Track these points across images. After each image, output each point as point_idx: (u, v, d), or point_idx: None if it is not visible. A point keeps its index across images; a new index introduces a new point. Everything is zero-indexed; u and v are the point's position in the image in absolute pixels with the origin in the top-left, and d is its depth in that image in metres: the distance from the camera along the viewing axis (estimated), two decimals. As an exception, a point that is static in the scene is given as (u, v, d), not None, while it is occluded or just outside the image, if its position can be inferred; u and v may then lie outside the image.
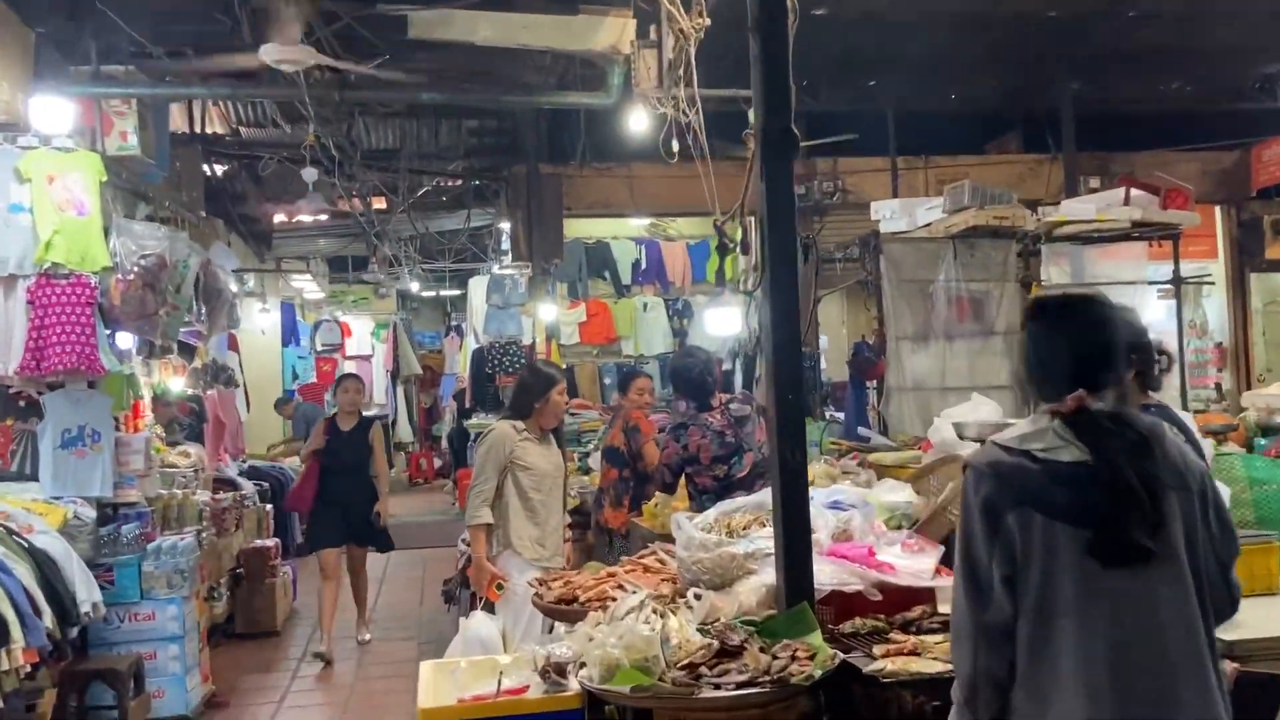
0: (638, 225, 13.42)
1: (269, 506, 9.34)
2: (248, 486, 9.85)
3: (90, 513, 5.57)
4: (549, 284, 10.29)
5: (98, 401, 5.78)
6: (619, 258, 13.63)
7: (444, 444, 19.51)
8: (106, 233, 5.81)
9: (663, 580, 3.86)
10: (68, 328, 5.57)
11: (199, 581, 6.23)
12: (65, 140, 5.73)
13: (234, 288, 8.82)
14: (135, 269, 5.75)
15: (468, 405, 15.27)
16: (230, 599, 7.92)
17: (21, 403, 5.67)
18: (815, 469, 5.98)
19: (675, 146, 5.59)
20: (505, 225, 11.53)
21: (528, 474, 5.09)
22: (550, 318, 10.73)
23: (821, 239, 11.79)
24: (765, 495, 3.89)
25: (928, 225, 8.52)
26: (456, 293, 19.87)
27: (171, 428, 8.98)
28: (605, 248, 13.50)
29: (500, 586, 4.88)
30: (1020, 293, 8.51)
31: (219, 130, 10.97)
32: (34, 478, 5.62)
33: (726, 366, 13.82)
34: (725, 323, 7.45)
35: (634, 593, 3.68)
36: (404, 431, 19.61)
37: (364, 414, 8.19)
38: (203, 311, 7.32)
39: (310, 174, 8.37)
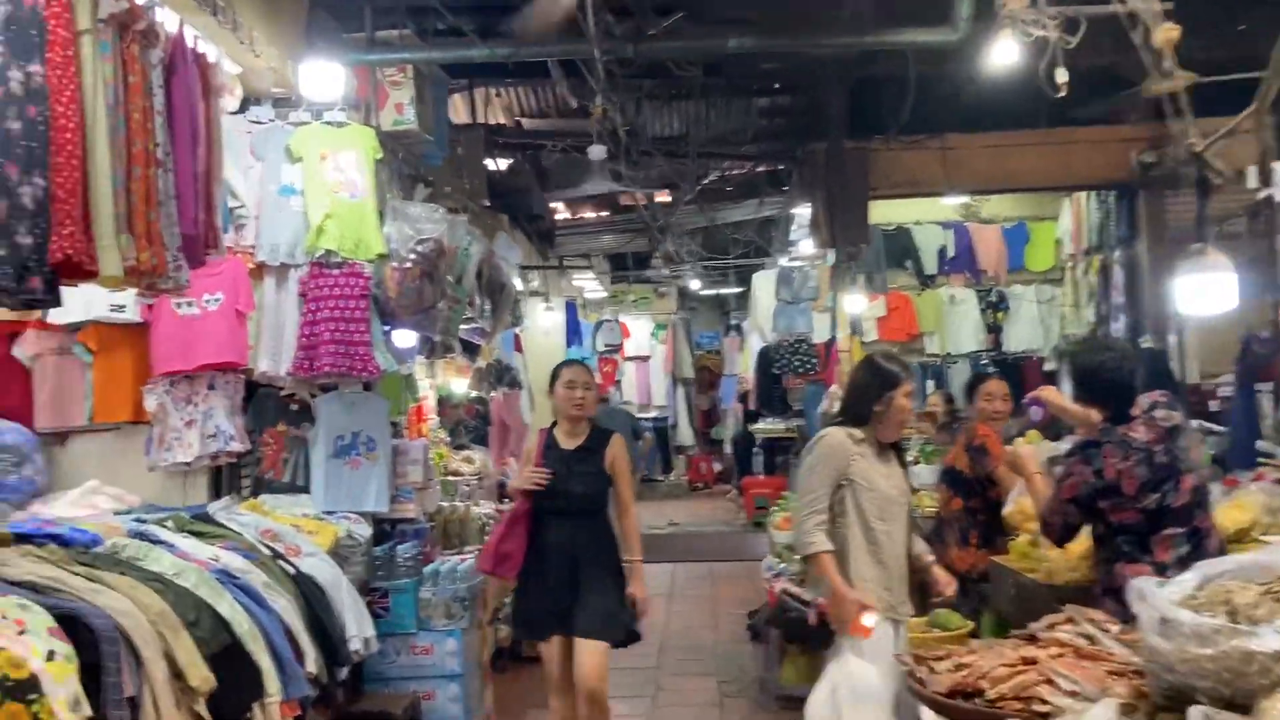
0: (944, 208, 12.00)
1: (553, 517, 8.69)
2: (531, 494, 9.27)
3: (364, 530, 4.95)
4: (853, 273, 9.11)
5: (373, 405, 5.17)
6: (922, 245, 12.26)
7: (726, 449, 18.69)
8: (381, 217, 5.19)
9: (1110, 674, 2.66)
10: (341, 323, 4.98)
11: (481, 609, 5.53)
12: (338, 114, 5.14)
13: (518, 284, 8.22)
14: (412, 256, 5.09)
15: (753, 408, 14.36)
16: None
17: (294, 406, 5.13)
18: (1249, 499, 4.54)
19: (1062, 76, 4.34)
20: (800, 211, 10.46)
21: (870, 496, 4.01)
22: (856, 309, 9.54)
23: (1175, 216, 10.02)
24: (1271, 554, 2.63)
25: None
26: (737, 290, 19.01)
27: (457, 431, 8.49)
28: (906, 234, 12.17)
29: (869, 619, 3.84)
30: None
31: (501, 120, 10.52)
32: (306, 489, 5.07)
33: (1050, 366, 12.19)
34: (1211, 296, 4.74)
35: (1077, 694, 2.52)
36: (684, 435, 18.93)
37: (597, 423, 4.95)
38: (486, 306, 6.67)
39: (598, 151, 7.62)
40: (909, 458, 8.02)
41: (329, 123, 5.14)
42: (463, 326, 6.71)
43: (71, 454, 5.01)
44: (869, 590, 3.93)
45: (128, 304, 4.82)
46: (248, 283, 4.92)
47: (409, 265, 5.09)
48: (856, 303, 9.35)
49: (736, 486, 15.44)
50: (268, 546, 4.25)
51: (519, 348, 11.40)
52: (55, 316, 4.79)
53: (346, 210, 5.07)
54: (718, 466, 19.50)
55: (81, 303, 4.77)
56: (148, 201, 3.36)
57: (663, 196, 13.07)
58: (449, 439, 7.60)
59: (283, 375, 5.02)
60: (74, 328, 4.89)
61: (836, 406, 9.59)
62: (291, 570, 4.21)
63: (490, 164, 10.36)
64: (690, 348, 19.29)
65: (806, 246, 12.01)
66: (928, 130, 9.86)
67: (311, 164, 5.06)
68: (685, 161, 10.19)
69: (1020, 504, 4.80)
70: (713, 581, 10.60)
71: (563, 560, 4.63)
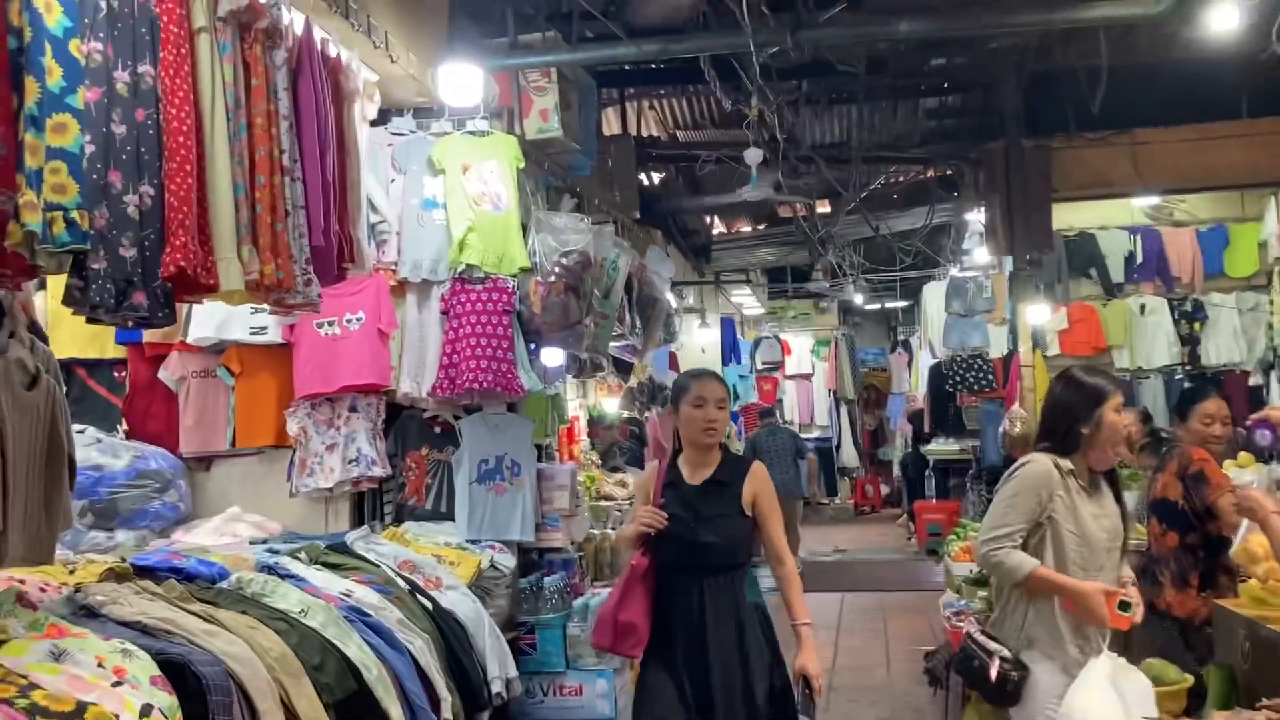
0: (1130, 211, 11.07)
1: (712, 544, 8.26)
2: (689, 519, 8.88)
3: (509, 561, 4.65)
4: (1034, 281, 8.39)
5: (518, 427, 4.88)
6: (1108, 251, 11.30)
7: (894, 471, 17.90)
8: (524, 230, 4.91)
9: None
10: (484, 340, 4.72)
11: (634, 647, 5.16)
12: (480, 123, 4.90)
13: (671, 300, 7.87)
14: (556, 269, 4.79)
15: (925, 429, 13.61)
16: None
17: (437, 429, 4.89)
18: None
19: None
20: (973, 217, 9.78)
21: (1074, 540, 3.42)
22: (1039, 320, 8.80)
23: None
24: None
25: None
26: (904, 304, 18.24)
27: (611, 453, 8.19)
28: (1090, 240, 11.24)
29: (1125, 606, 3.31)
30: None
31: (654, 133, 10.25)
32: (450, 516, 4.81)
33: (1256, 381, 11.09)
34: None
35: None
36: (848, 456, 18.21)
37: (730, 450, 3.89)
38: (637, 323, 6.33)
39: (755, 155, 7.20)
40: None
41: (471, 132, 4.90)
42: (613, 344, 6.40)
43: (215, 479, 4.90)
44: (1065, 641, 3.39)
45: (269, 325, 4.68)
46: (389, 301, 4.71)
47: (553, 279, 4.79)
48: (1039, 313, 8.63)
49: (907, 511, 14.69)
50: (405, 579, 3.99)
51: (674, 366, 11.06)
52: (195, 338, 4.70)
53: (489, 223, 4.81)
54: (884, 489, 18.71)
55: (217, 323, 4.66)
56: (273, 211, 3.13)
57: (823, 207, 12.55)
58: (600, 462, 7.28)
59: (425, 396, 4.79)
60: (218, 350, 4.78)
61: (1018, 427, 8.93)
62: (430, 606, 3.93)
63: (643, 178, 10.10)
64: (854, 365, 18.58)
65: (980, 255, 11.28)
66: (1114, 126, 9.09)
67: (454, 176, 4.83)
68: (848, 167, 9.67)
69: (1250, 543, 4.13)
70: (883, 613, 9.97)
71: (693, 632, 3.49)
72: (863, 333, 20.10)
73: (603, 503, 6.52)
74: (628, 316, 6.22)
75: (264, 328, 4.68)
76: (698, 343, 12.46)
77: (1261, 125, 8.82)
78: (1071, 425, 3.57)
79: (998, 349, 12.01)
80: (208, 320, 4.66)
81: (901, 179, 11.55)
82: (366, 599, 3.61)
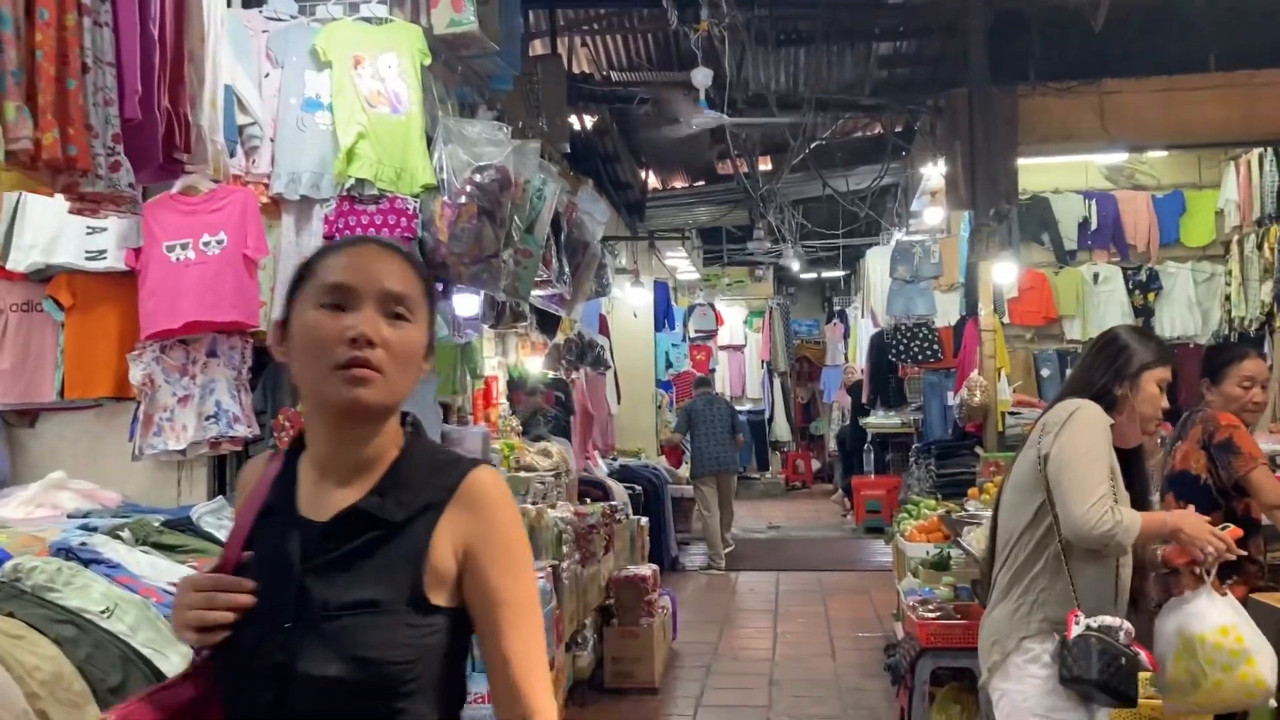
0: (1087, 174, 10.53)
1: (644, 520, 7.49)
2: (619, 492, 8.11)
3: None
4: (998, 238, 7.73)
5: (418, 380, 4.02)
6: (1061, 216, 10.74)
7: (828, 445, 17.34)
8: (429, 142, 4.05)
9: None
10: (377, 273, 3.85)
11: (556, 642, 4.37)
12: (377, 8, 4.02)
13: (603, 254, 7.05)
14: (468, 189, 3.94)
15: (864, 401, 12.99)
16: (598, 643, 6.10)
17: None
18: None
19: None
20: (929, 170, 9.09)
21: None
22: (1006, 279, 8.15)
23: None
24: None
25: None
26: (841, 273, 17.64)
27: (534, 421, 7.37)
28: (1044, 204, 10.67)
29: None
30: None
31: (586, 70, 9.39)
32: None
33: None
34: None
35: None
36: (780, 430, 17.63)
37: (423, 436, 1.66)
38: (565, 268, 5.51)
39: (704, 76, 6.41)
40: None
41: (365, 19, 4.02)
42: (537, 292, 5.57)
43: (42, 438, 3.98)
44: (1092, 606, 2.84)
45: (109, 247, 3.76)
46: (259, 221, 3.82)
47: (464, 200, 3.94)
48: (1005, 271, 7.96)
49: (842, 486, 14.10)
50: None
51: (604, 330, 10.26)
52: (15, 263, 3.76)
53: (386, 129, 3.94)
54: (816, 464, 18.17)
55: (44, 243, 3.73)
56: (62, 61, 2.26)
57: (764, 164, 11.81)
58: (522, 430, 6.47)
59: (303, 340, 3.90)
60: (42, 277, 3.85)
61: (978, 396, 8.29)
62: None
63: (573, 121, 9.23)
64: (788, 336, 17.96)
65: (930, 216, 10.63)
66: (1080, 75, 8.46)
67: (343, 70, 3.95)
68: (796, 114, 8.91)
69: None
70: (823, 595, 9.32)
71: None
72: (798, 303, 19.49)
73: (522, 474, 5.71)
74: (554, 260, 5.39)
75: (103, 251, 3.77)
76: (630, 304, 11.67)
77: (1237, 78, 8.24)
78: (1109, 385, 2.96)
79: (944, 317, 11.42)
80: (31, 240, 3.73)
81: (849, 134, 10.84)
82: (205, 592, 2.75)
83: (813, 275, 18.07)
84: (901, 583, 6.49)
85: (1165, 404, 3.04)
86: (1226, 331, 10.41)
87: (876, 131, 10.96)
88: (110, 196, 2.42)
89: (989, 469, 7.33)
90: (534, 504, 5.49)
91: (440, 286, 4.41)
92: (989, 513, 5.81)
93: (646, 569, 6.59)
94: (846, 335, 17.00)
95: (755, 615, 8.57)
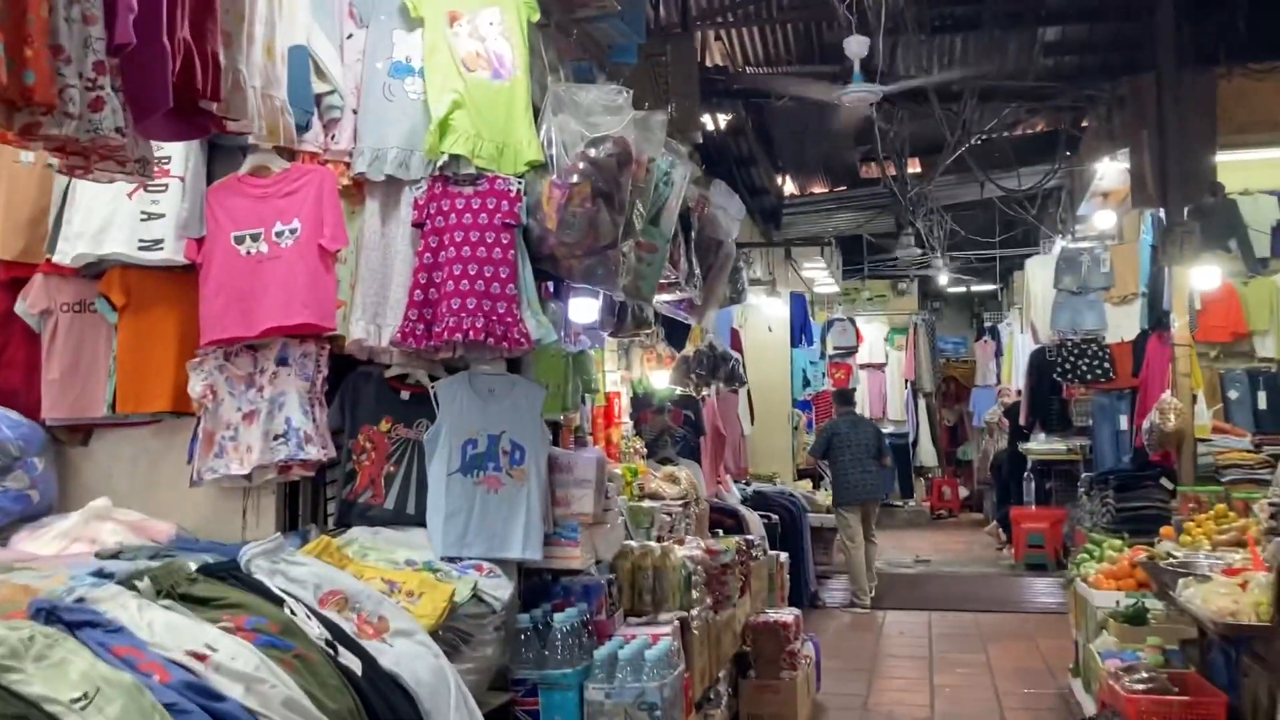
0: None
1: (783, 556, 6.70)
2: (755, 523, 7.35)
3: (503, 588, 3.15)
4: (1194, 239, 6.70)
5: (521, 395, 3.38)
6: (1252, 219, 9.43)
7: (975, 470, 16.18)
8: (536, 113, 3.41)
9: None
10: (473, 267, 3.24)
11: (685, 710, 3.65)
12: (477, -43, 3.41)
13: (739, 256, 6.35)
14: (581, 166, 3.28)
15: (1023, 424, 11.91)
16: (732, 698, 5.35)
17: (404, 395, 3.40)
18: None
19: None
20: (1106, 167, 8.10)
21: None
22: (1209, 285, 7.11)
23: None
24: None
25: None
26: (991, 287, 16.52)
27: (661, 441, 6.70)
28: (1230, 207, 9.44)
29: None
30: None
31: (719, 64, 8.71)
32: (420, 521, 3.32)
33: None
34: None
35: None
36: (926, 454, 16.54)
37: None
38: (696, 270, 4.81)
39: (858, 44, 5.62)
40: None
41: (464, -32, 3.41)
42: (663, 297, 4.89)
43: (95, 458, 3.46)
44: None
45: (165, 236, 3.23)
46: (337, 206, 3.23)
47: (576, 180, 3.28)
48: (1209, 276, 6.92)
49: (998, 517, 13.00)
50: (324, 623, 2.51)
51: (736, 345, 9.52)
52: (64, 254, 3.26)
53: (486, 97, 3.32)
54: (964, 491, 17.01)
55: (93, 232, 3.22)
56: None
57: (913, 167, 10.94)
58: (645, 451, 5.79)
59: (387, 346, 3.32)
60: (94, 273, 3.34)
61: (1172, 421, 7.25)
62: (357, 667, 2.45)
63: (708, 121, 8.57)
64: (933, 354, 16.88)
65: (1102, 219, 9.62)
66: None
67: (436, 28, 3.35)
68: (954, 107, 8.05)
69: None
70: (982, 640, 8.35)
71: None
72: (943, 319, 18.37)
73: (646, 503, 5.02)
74: (683, 260, 4.70)
75: (159, 241, 3.23)
76: (765, 317, 10.90)
77: None
78: None
79: (1115, 333, 10.28)
80: (80, 227, 3.23)
81: (1011, 130, 9.89)
82: (234, 663, 2.14)
83: (961, 289, 17.00)
84: (1093, 640, 5.55)
85: None
86: None
87: (1039, 128, 9.99)
88: (95, 147, 1.83)
89: (1187, 505, 6.32)
90: (659, 539, 4.79)
91: (550, 287, 3.77)
92: (1203, 559, 4.87)
93: (788, 613, 5.81)
94: (999, 354, 15.86)
95: (907, 663, 7.68)
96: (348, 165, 3.35)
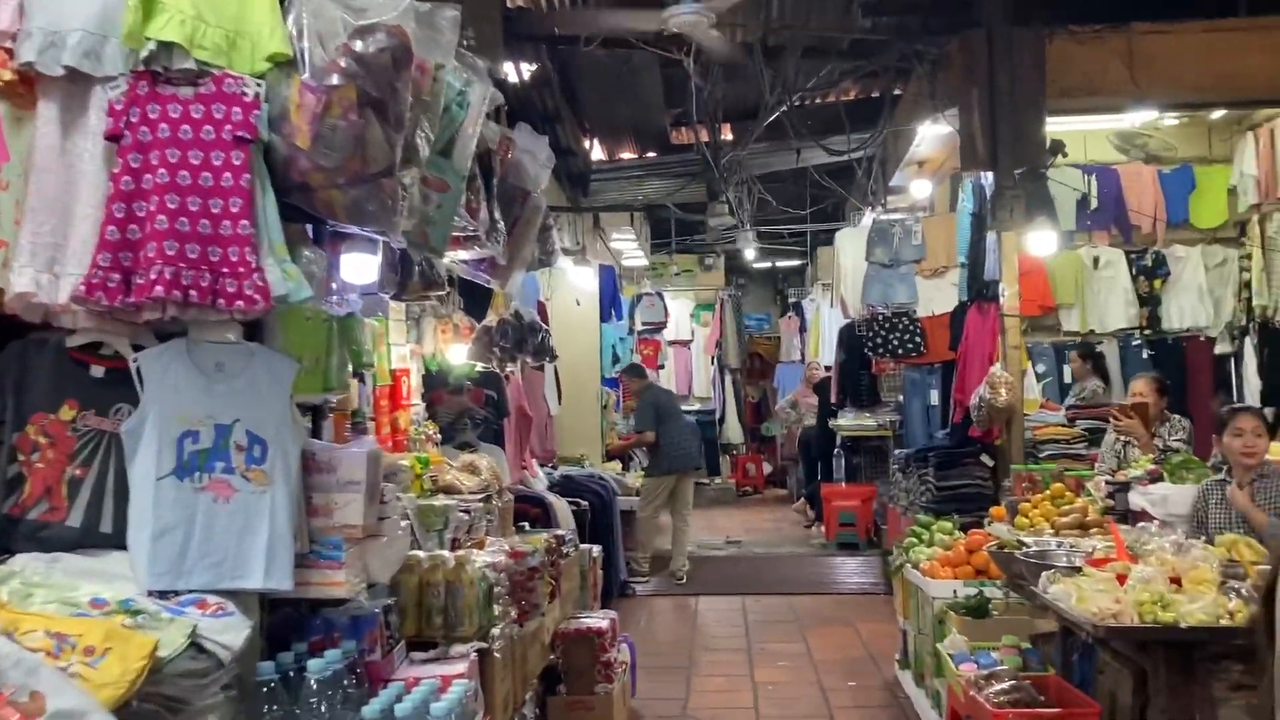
0: (1086, 145, 9.30)
1: (595, 549, 6.02)
2: (564, 513, 6.67)
3: (235, 631, 2.31)
4: (1025, 205, 6.39)
5: (262, 370, 2.53)
6: (1057, 192, 9.48)
7: (781, 448, 16.03)
8: (285, -5, 2.56)
9: None
10: (191, 198, 2.38)
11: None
12: None
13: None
14: (342, 65, 2.46)
15: (833, 401, 11.68)
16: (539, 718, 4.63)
17: (97, 371, 2.50)
18: None
19: None
20: (924, 131, 7.76)
21: None
22: (1046, 250, 6.82)
23: None
24: None
25: None
26: (795, 263, 16.40)
27: (460, 425, 5.89)
28: (1039, 179, 9.46)
29: None
30: None
31: (521, 5, 7.89)
32: (119, 543, 2.44)
33: (1223, 349, 9.51)
34: None
35: None
36: (733, 431, 16.27)
37: None
38: (498, 222, 4.04)
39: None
40: (1134, 471, 5.37)
41: None
42: (459, 254, 4.11)
43: None
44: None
45: None
46: (-8, 107, 2.30)
47: (337, 82, 2.46)
48: (1045, 242, 6.63)
49: (806, 494, 12.78)
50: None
51: (543, 320, 8.79)
52: None
53: (209, -33, 2.45)
54: (767, 468, 16.88)
55: None
56: None
57: (726, 134, 10.44)
58: (440, 437, 4.99)
59: (67, 304, 2.41)
60: None
61: (1003, 395, 6.97)
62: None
63: (511, 71, 7.75)
64: (740, 330, 16.62)
65: (918, 189, 9.37)
66: (1107, 19, 7.23)
67: None
68: (775, 66, 7.53)
69: None
70: (800, 626, 7.95)
71: None
72: (748, 295, 18.17)
73: (439, 500, 4.22)
74: (483, 209, 3.92)
75: None
76: (573, 290, 10.21)
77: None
78: None
79: (925, 306, 10.12)
80: None
81: (826, 99, 9.49)
82: None
83: (766, 264, 16.79)
84: (926, 630, 5.13)
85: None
86: (1244, 323, 9.28)
87: (854, 95, 9.63)
88: None
89: (1020, 484, 6.02)
90: (455, 543, 4.02)
91: (310, 228, 2.93)
92: (1056, 547, 4.48)
93: (602, 618, 5.15)
94: (803, 329, 15.74)
95: (725, 656, 7.17)
96: (10, 52, 2.41)
